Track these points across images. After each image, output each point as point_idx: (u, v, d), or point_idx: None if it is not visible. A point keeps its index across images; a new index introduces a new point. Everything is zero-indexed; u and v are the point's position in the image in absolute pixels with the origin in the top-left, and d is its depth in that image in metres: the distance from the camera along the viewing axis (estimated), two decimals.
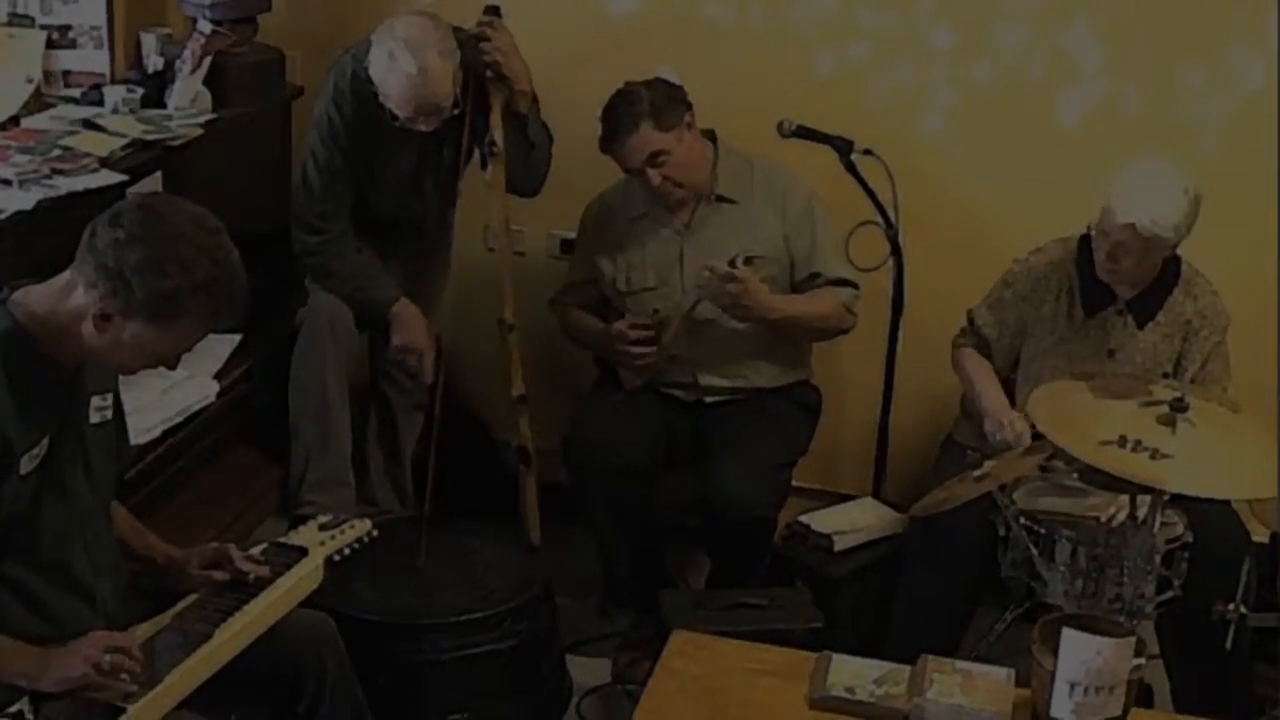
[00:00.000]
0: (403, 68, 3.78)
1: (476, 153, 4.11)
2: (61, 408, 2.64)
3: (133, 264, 2.49)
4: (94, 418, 2.73)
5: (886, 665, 2.97)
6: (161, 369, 2.72)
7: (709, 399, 4.12)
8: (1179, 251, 3.69)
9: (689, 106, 3.99)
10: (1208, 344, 3.74)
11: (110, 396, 2.79)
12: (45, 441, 2.60)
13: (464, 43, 3.91)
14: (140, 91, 4.04)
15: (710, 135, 4.09)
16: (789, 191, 4.08)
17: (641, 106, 3.91)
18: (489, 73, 3.96)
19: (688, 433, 4.12)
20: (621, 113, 3.94)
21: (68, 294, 2.56)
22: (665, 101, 3.94)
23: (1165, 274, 3.72)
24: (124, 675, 2.53)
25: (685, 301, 4.01)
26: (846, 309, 4.08)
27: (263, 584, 2.87)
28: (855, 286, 4.07)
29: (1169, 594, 3.44)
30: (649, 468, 4.02)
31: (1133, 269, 3.65)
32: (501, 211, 4.08)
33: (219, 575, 2.88)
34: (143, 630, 2.73)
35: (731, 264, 3.84)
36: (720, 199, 4.06)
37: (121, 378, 2.86)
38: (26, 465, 2.56)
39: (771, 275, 4.00)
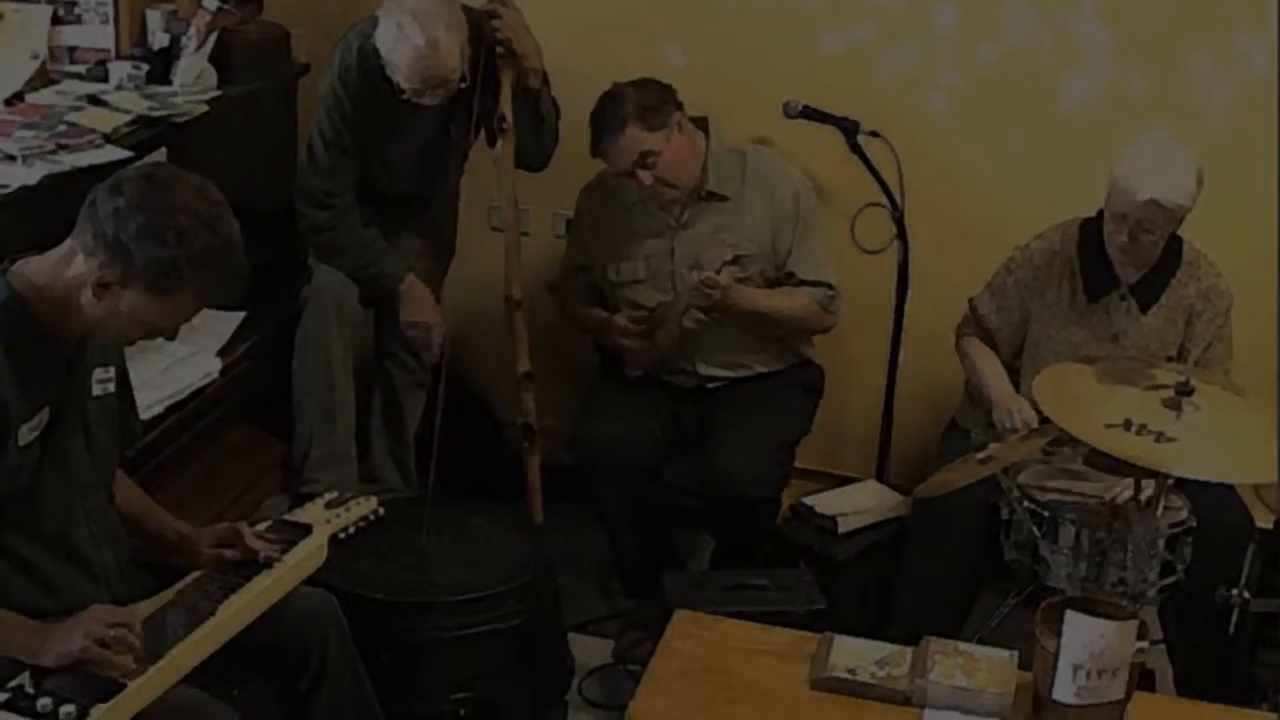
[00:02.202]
0: (411, 40, 3.78)
1: (482, 131, 4.11)
2: (62, 379, 2.64)
3: (132, 232, 2.48)
4: (96, 390, 2.73)
5: (889, 647, 2.97)
6: (163, 341, 2.73)
7: (710, 385, 4.11)
8: (1180, 233, 3.68)
9: (679, 106, 3.94)
10: (1212, 326, 3.73)
11: (113, 369, 2.78)
12: (45, 412, 2.60)
13: (474, 20, 3.91)
14: (145, 68, 4.02)
15: (703, 124, 4.04)
16: (777, 182, 4.04)
17: (628, 108, 3.87)
18: (499, 50, 3.95)
19: (692, 417, 4.11)
20: (608, 115, 3.90)
21: (67, 263, 2.55)
22: (653, 102, 3.89)
23: (1168, 256, 3.71)
24: (125, 650, 2.53)
25: (677, 305, 3.98)
26: (823, 309, 4.05)
27: (268, 561, 2.88)
28: (831, 287, 4.04)
29: (1172, 578, 3.44)
30: (657, 461, 4.01)
31: (1151, 247, 3.63)
32: (509, 188, 4.07)
33: (230, 554, 2.89)
34: (145, 606, 2.73)
35: (717, 270, 3.80)
36: (711, 195, 4.02)
37: (128, 353, 2.85)
38: (26, 436, 2.56)
39: (760, 270, 4.00)
